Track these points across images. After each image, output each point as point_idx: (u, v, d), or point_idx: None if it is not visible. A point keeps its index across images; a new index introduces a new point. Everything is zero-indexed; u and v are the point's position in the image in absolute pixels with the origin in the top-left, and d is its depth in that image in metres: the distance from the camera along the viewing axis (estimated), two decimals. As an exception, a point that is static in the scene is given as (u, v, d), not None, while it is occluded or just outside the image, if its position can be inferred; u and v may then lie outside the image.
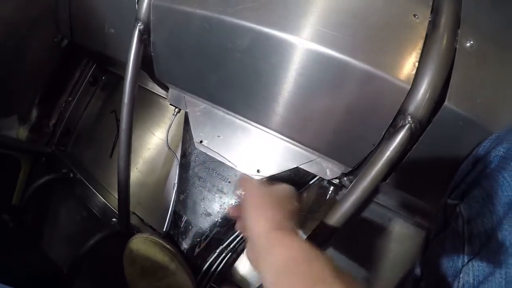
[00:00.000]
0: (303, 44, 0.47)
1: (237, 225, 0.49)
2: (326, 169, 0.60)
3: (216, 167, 0.59)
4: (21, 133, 1.02)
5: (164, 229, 0.67)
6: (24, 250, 0.91)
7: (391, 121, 0.48)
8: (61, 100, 1.02)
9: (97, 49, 0.82)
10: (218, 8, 0.52)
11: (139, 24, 0.62)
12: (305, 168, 0.59)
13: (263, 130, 0.60)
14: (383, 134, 0.49)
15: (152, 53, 0.64)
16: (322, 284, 0.30)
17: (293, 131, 0.56)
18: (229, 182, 0.58)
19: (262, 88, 0.53)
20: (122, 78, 0.95)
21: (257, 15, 0.50)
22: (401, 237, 0.67)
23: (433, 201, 0.58)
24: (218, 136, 0.62)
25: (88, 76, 0.97)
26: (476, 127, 0.46)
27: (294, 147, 0.59)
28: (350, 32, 0.48)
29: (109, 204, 0.82)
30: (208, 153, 0.61)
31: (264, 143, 0.60)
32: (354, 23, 0.48)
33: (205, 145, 0.61)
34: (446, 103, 0.45)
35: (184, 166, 0.62)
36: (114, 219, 0.80)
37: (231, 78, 0.56)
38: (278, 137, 0.59)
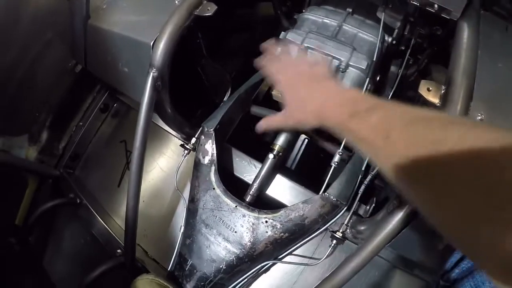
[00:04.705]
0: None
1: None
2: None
3: (223, 216, 0.61)
4: (31, 153, 1.04)
5: (169, 269, 0.68)
6: (26, 274, 0.92)
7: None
8: (72, 124, 1.04)
9: (109, 82, 0.84)
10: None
11: (153, 71, 0.64)
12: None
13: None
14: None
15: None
16: (458, 125, 0.29)
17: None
18: (235, 232, 0.60)
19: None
20: (131, 108, 0.98)
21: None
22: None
23: (432, 258, 0.60)
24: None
25: (100, 103, 0.99)
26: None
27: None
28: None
29: (114, 235, 0.84)
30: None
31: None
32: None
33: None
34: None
35: (192, 212, 0.64)
36: (118, 251, 0.82)
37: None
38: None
